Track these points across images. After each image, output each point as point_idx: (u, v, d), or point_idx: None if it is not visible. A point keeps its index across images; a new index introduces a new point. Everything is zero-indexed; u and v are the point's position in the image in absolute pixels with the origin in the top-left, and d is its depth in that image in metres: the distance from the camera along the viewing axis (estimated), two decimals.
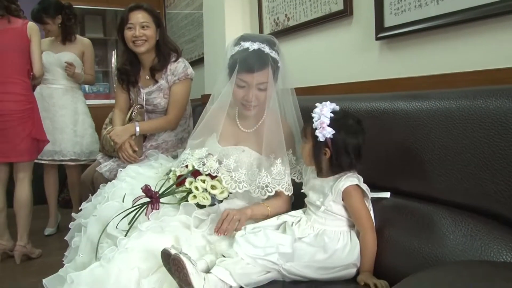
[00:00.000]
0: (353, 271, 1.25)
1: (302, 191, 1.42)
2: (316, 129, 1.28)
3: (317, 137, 1.28)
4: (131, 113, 2.32)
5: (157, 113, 2.35)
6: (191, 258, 1.16)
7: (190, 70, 2.29)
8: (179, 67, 2.26)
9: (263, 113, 1.62)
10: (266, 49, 1.50)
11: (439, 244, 1.11)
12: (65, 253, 1.78)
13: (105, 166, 2.33)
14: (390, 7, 1.62)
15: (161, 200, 1.50)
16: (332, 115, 1.28)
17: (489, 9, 1.28)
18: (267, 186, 1.49)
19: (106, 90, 5.11)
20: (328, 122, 1.27)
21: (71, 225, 1.79)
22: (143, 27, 2.20)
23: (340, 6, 1.89)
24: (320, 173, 1.36)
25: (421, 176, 1.23)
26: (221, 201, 1.52)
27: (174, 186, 1.54)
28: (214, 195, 1.49)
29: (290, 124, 1.61)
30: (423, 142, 1.22)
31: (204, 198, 1.47)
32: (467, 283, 0.75)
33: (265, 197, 1.50)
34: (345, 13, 1.86)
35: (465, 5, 1.34)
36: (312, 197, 1.35)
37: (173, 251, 1.15)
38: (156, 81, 2.28)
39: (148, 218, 1.44)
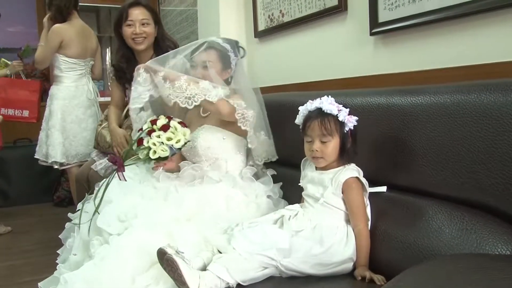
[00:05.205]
0: (349, 266, 1.25)
1: (299, 184, 1.42)
2: (343, 121, 1.29)
3: (343, 129, 1.29)
4: (127, 110, 2.31)
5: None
6: (184, 258, 1.15)
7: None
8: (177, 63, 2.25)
9: None
10: (220, 41, 1.74)
11: (434, 238, 1.11)
12: (57, 251, 1.78)
13: (100, 164, 2.31)
14: (384, 2, 1.62)
15: (127, 162, 1.68)
16: None
17: (483, 4, 1.28)
18: (193, 96, 1.61)
19: (101, 88, 5.07)
20: (348, 111, 1.30)
21: (67, 225, 1.78)
22: (143, 24, 2.19)
23: (334, 2, 1.89)
24: (320, 167, 1.36)
25: (416, 170, 1.23)
26: (180, 149, 1.71)
27: (135, 145, 1.71)
28: (171, 145, 1.67)
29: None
30: (418, 137, 1.22)
31: (163, 151, 1.66)
32: (463, 274, 0.75)
33: (191, 106, 1.63)
34: (340, 8, 1.86)
35: None
36: (311, 189, 1.35)
37: (168, 251, 1.15)
38: None
39: (125, 180, 1.60)
